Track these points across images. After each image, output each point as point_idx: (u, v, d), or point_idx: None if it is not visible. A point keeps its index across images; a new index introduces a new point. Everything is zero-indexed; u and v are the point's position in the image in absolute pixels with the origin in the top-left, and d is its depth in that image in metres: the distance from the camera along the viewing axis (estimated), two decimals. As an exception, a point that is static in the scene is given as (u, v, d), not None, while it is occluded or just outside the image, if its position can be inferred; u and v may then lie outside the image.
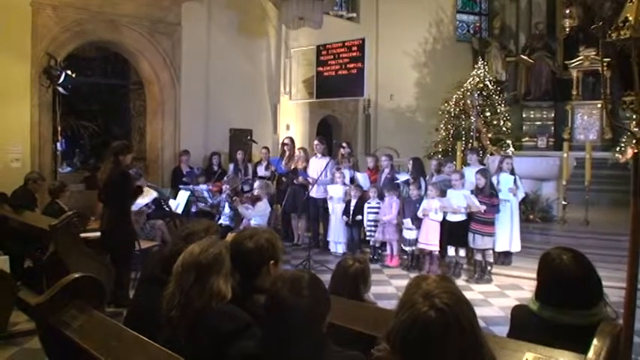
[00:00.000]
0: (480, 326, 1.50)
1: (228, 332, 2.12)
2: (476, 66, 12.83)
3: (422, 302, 1.44)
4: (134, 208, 6.83)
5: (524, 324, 2.35)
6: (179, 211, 8.19)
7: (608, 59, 10.76)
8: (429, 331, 1.41)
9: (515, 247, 7.60)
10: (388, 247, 8.16)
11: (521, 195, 7.65)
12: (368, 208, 8.27)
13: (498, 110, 12.21)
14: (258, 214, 7.74)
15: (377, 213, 8.15)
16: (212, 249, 2.36)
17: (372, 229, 8.24)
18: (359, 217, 8.32)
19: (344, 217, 8.45)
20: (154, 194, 7.60)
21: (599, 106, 12.75)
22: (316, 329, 1.91)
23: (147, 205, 7.58)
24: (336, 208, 8.61)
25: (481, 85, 12.28)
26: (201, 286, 2.25)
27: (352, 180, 8.81)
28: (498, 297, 6.56)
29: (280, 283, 1.94)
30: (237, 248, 2.49)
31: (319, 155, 9.20)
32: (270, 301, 1.94)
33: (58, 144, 8.36)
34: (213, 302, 2.23)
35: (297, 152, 9.47)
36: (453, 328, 1.41)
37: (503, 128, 12.13)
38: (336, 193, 8.56)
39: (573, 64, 12.98)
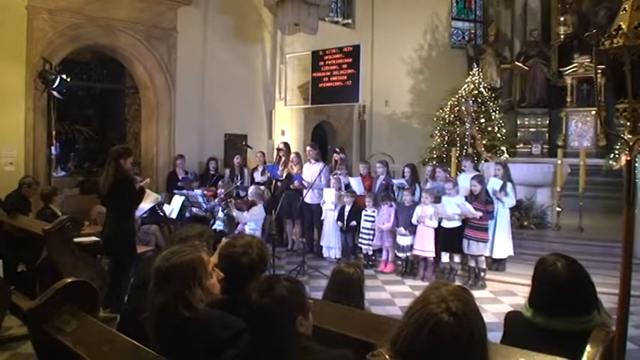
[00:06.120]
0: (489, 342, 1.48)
1: (224, 340, 2.11)
2: (471, 73, 12.86)
3: (436, 303, 1.43)
4: (138, 213, 6.79)
5: (517, 330, 2.36)
6: (173, 216, 8.17)
7: (602, 67, 10.76)
8: (439, 334, 1.38)
9: (501, 253, 7.54)
10: (384, 253, 8.15)
11: (511, 202, 7.58)
12: (365, 216, 8.25)
13: (493, 117, 12.25)
14: (253, 219, 7.72)
15: (373, 221, 8.15)
16: (178, 256, 2.23)
17: (366, 237, 8.23)
18: (353, 223, 8.32)
19: (338, 223, 8.44)
20: (157, 197, 7.56)
21: (593, 113, 12.82)
22: (287, 328, 1.93)
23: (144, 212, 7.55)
24: (328, 214, 8.61)
25: (476, 92, 12.31)
26: (166, 293, 2.17)
27: (347, 186, 8.81)
28: (492, 303, 6.56)
29: (255, 288, 2.01)
30: (230, 261, 2.54)
31: (312, 161, 9.19)
32: (246, 306, 2.01)
33: (53, 148, 8.30)
34: (181, 311, 2.14)
35: (291, 157, 9.47)
36: (463, 335, 1.39)
37: (498, 135, 12.16)
38: (329, 197, 8.54)
39: (568, 72, 13.05)
